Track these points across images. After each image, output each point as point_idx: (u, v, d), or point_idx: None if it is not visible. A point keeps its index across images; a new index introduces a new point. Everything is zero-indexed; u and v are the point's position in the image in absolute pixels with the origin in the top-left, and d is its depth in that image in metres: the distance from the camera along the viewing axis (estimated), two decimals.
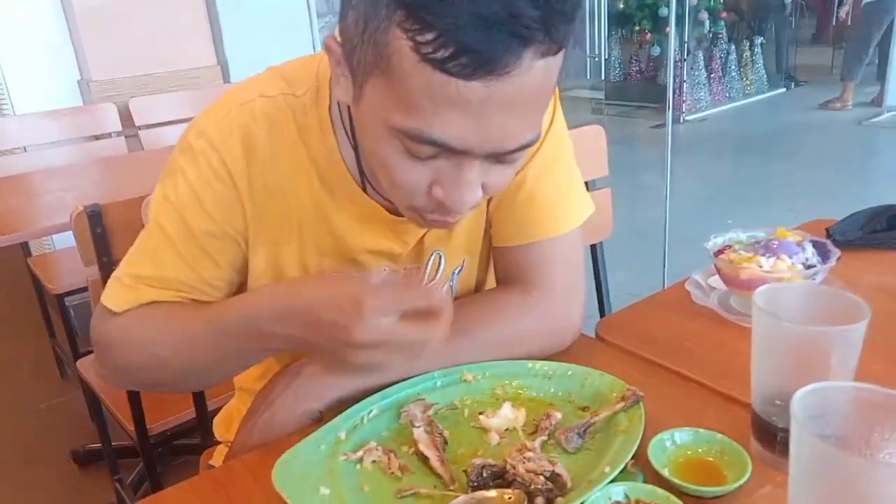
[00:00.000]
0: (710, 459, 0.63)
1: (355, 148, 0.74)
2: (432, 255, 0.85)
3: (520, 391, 0.77)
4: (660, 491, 0.58)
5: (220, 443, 1.06)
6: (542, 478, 0.59)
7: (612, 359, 0.84)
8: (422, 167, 0.61)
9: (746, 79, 7.43)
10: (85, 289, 1.36)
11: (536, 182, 0.84)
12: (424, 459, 0.66)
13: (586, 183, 1.52)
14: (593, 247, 1.51)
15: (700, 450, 0.64)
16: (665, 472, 0.61)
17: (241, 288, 0.83)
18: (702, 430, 0.65)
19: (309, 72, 0.75)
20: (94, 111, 2.67)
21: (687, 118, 6.55)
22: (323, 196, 0.77)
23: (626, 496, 0.58)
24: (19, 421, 2.39)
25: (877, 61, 6.52)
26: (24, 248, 2.47)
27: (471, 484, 0.61)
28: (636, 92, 7.21)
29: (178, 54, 3.02)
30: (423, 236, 0.83)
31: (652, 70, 7.17)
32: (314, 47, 2.90)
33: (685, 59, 6.68)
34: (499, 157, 0.61)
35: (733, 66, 7.26)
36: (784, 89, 7.63)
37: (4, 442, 2.27)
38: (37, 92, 2.79)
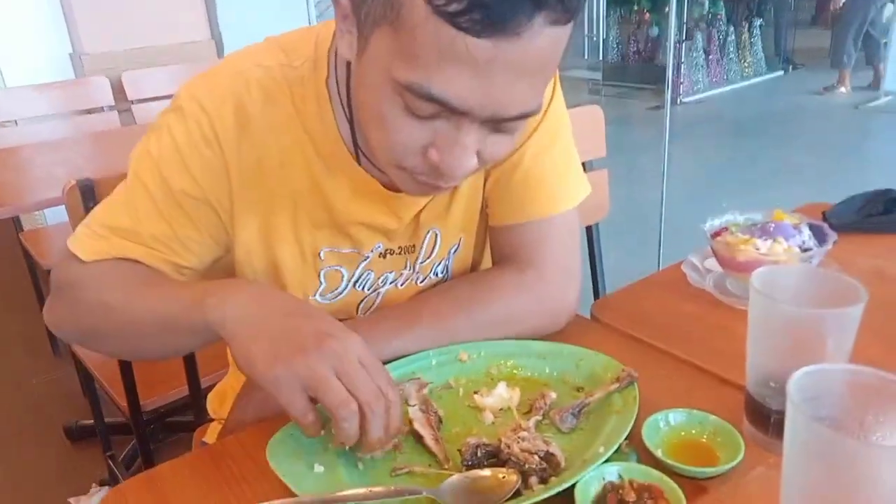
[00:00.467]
0: (704, 440, 0.64)
1: (351, 121, 0.74)
2: (428, 232, 0.85)
3: (515, 371, 0.77)
4: (653, 471, 0.58)
5: (213, 420, 1.06)
6: (536, 457, 0.59)
7: (606, 340, 0.84)
8: (419, 127, 0.60)
9: (744, 61, 7.40)
10: None
11: (534, 161, 0.83)
12: (419, 438, 0.66)
13: (583, 163, 1.52)
14: (589, 228, 1.50)
15: (693, 431, 0.64)
16: (658, 453, 0.61)
17: (225, 269, 0.82)
18: (695, 412, 0.65)
19: (307, 43, 0.74)
20: (87, 85, 2.64)
21: (684, 100, 6.53)
22: (318, 168, 0.76)
23: (620, 476, 0.59)
24: (11, 397, 2.39)
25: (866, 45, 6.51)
26: (16, 223, 2.45)
27: (465, 463, 0.61)
28: (634, 73, 7.18)
29: (171, 28, 2.98)
30: (420, 213, 0.82)
31: (650, 51, 7.14)
32: (310, 20, 2.86)
33: (683, 41, 6.64)
34: (497, 124, 0.61)
35: (732, 49, 7.22)
36: (782, 72, 7.61)
37: None
38: (28, 65, 2.76)
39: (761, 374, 0.63)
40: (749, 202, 1.02)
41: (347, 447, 0.61)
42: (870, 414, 0.48)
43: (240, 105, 0.72)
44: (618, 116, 5.98)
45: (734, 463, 0.60)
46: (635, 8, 7.09)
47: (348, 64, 0.70)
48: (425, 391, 0.72)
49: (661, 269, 1.09)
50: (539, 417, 0.68)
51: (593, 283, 1.50)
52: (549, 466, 0.59)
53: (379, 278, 0.86)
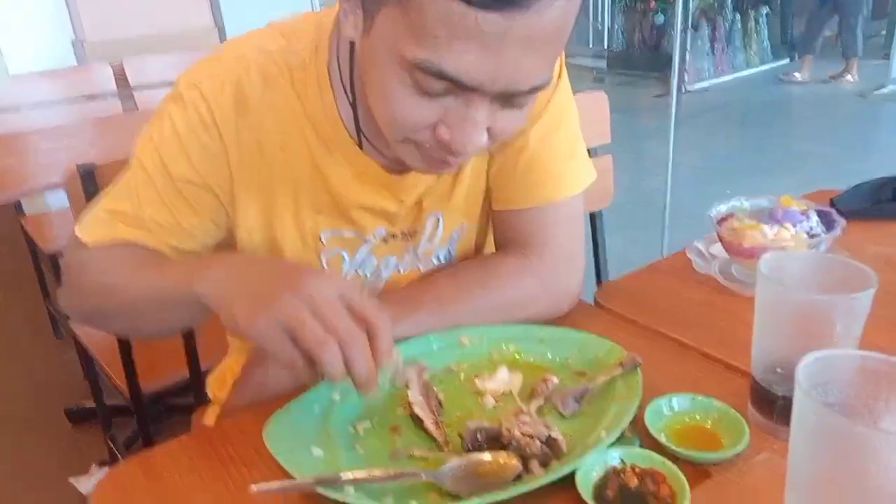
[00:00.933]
0: (708, 426, 0.63)
1: (353, 105, 0.73)
2: (430, 217, 0.84)
3: (517, 355, 0.76)
4: (656, 456, 0.57)
5: (212, 402, 1.05)
6: (537, 442, 0.58)
7: (610, 326, 0.83)
8: (429, 105, 0.59)
9: (750, 49, 7.33)
10: None
11: (539, 145, 0.82)
12: (419, 422, 0.65)
13: (588, 150, 1.51)
14: (592, 215, 1.49)
15: (697, 416, 0.64)
16: (662, 438, 0.60)
17: (221, 246, 0.82)
18: (699, 397, 0.64)
19: (308, 28, 0.74)
20: (89, 71, 2.62)
21: (689, 88, 6.47)
22: (319, 152, 0.75)
23: (623, 461, 0.58)
24: (14, 380, 2.39)
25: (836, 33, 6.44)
26: (18, 208, 2.45)
27: (466, 447, 0.60)
28: (639, 61, 7.11)
29: (174, 15, 2.96)
30: (422, 198, 0.81)
31: (655, 39, 7.07)
32: (313, 6, 2.84)
33: (689, 29, 6.58)
34: (508, 99, 0.60)
35: (738, 37, 7.15)
36: (788, 60, 7.54)
37: None
38: (30, 52, 2.74)
39: (768, 360, 0.62)
40: (755, 190, 1.00)
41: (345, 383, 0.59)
42: (880, 400, 0.47)
43: (239, 89, 0.72)
44: (622, 105, 5.94)
45: (739, 448, 0.59)
46: None
47: (351, 47, 0.69)
48: (426, 375, 0.71)
49: (665, 256, 1.07)
50: (541, 402, 0.67)
51: (596, 270, 1.49)
52: (551, 451, 0.59)
53: (381, 263, 0.85)
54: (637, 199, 3.12)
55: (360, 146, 0.75)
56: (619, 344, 0.73)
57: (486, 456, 0.58)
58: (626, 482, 0.56)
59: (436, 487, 0.57)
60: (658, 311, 0.86)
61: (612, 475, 0.57)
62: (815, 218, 0.88)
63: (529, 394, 0.70)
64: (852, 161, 4.06)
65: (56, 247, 2.11)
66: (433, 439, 0.64)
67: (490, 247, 0.92)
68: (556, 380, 0.70)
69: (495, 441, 0.60)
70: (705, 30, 6.77)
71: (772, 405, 0.62)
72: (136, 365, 1.35)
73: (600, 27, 7.58)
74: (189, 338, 1.33)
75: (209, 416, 1.02)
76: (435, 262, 0.88)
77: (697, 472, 0.58)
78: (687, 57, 6.43)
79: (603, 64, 7.42)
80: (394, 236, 0.83)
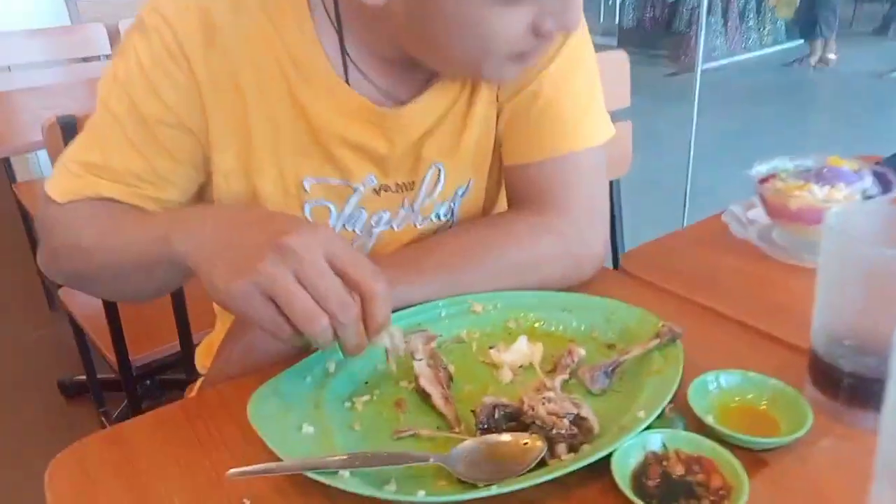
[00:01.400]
0: (762, 407, 0.54)
1: (340, 32, 0.65)
2: (431, 168, 0.75)
3: (536, 324, 0.68)
4: (704, 441, 0.49)
5: (202, 376, 0.98)
6: (565, 421, 0.50)
7: (638, 294, 0.74)
8: (516, 11, 0.59)
9: (764, 28, 7.17)
10: None
11: (554, 90, 0.74)
12: (426, 396, 0.57)
13: None
14: (610, 183, 1.40)
15: (749, 396, 0.55)
16: (709, 420, 0.51)
17: (204, 192, 0.74)
18: (751, 374, 0.56)
19: None
20: (82, 31, 2.53)
21: (702, 67, 6.33)
22: (299, 85, 0.67)
23: (664, 445, 0.49)
24: (6, 351, 2.33)
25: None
26: (9, 174, 2.37)
27: (480, 426, 0.52)
28: (650, 39, 6.96)
29: None
30: (422, 146, 0.73)
31: (667, 16, 6.92)
32: None
33: (701, 6, 6.42)
34: None
35: (751, 15, 6.99)
36: (802, 40, 7.37)
37: None
38: (20, 9, 2.64)
39: (833, 331, 0.53)
40: None
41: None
42: None
43: (206, 15, 0.64)
44: (634, 83, 5.79)
45: (801, 433, 0.50)
46: None
47: None
48: (433, 345, 0.63)
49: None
50: (565, 376, 0.59)
51: (612, 239, 1.40)
52: (581, 432, 0.50)
53: (372, 217, 0.76)
54: (652, 177, 3.02)
55: (347, 80, 0.68)
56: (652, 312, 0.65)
57: (506, 437, 0.50)
58: (669, 470, 0.47)
59: (445, 473, 0.49)
60: (691, 278, 0.77)
61: (653, 461, 0.48)
62: (869, 178, 0.79)
63: (552, 367, 0.61)
64: (873, 141, 3.95)
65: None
66: (442, 417, 0.55)
67: (502, 208, 0.83)
68: (582, 351, 0.61)
69: (514, 420, 0.52)
70: (718, 7, 6.61)
71: (837, 383, 0.53)
72: (126, 337, 1.28)
73: (612, 3, 7.41)
74: (180, 309, 1.26)
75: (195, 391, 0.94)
76: (434, 219, 0.79)
77: (752, 459, 0.49)
78: (701, 35, 6.28)
79: (613, 41, 7.26)
80: (387, 188, 0.75)
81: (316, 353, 0.61)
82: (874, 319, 0.51)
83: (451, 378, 0.60)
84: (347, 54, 0.67)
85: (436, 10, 0.58)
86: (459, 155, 0.75)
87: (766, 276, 0.77)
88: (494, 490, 0.45)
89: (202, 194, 0.74)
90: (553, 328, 0.67)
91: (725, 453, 0.48)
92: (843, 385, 0.53)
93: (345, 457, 0.48)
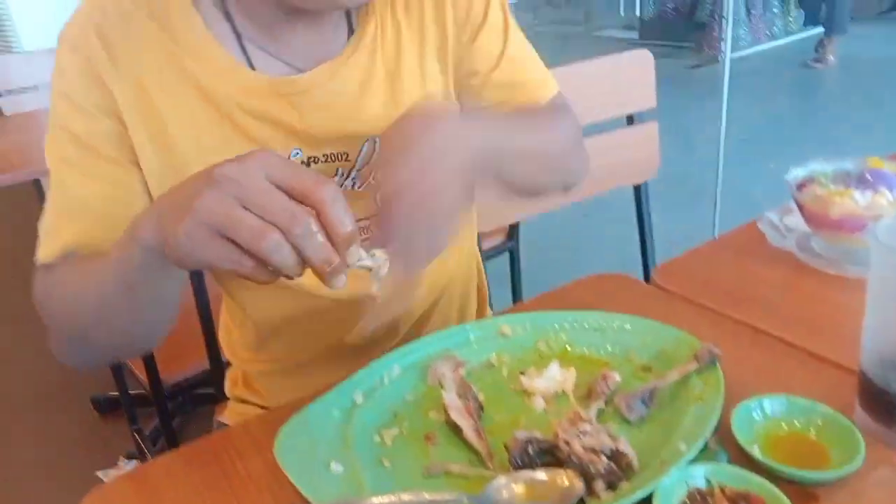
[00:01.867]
0: (811, 436, 0.51)
1: (230, 19, 0.67)
2: (366, 142, 0.71)
3: (568, 347, 0.66)
4: (751, 476, 0.47)
5: (229, 399, 0.97)
6: (603, 458, 0.48)
7: (672, 310, 0.71)
8: None
9: (789, 15, 7.01)
10: None
11: (508, 63, 0.77)
12: (456, 430, 0.55)
13: (630, 115, 1.38)
14: (637, 188, 1.36)
15: (797, 423, 0.52)
16: (755, 451, 0.49)
17: None
18: (798, 399, 0.53)
19: None
20: None
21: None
22: (204, 80, 0.67)
23: (708, 481, 0.47)
24: (40, 366, 2.36)
25: None
26: (39, 192, 2.39)
27: (513, 461, 0.50)
28: (672, 30, 6.85)
29: None
30: (346, 115, 0.70)
31: (688, 6, 6.80)
32: None
33: None
34: None
35: (775, 1, 6.84)
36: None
37: (26, 387, 2.24)
38: (44, 27, 2.68)
39: (886, 352, 0.50)
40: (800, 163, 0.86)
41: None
42: None
43: (102, 34, 0.66)
44: (657, 77, 5.70)
45: (853, 466, 0.47)
46: None
47: None
48: (462, 371, 0.61)
49: (717, 236, 0.95)
50: (601, 405, 0.57)
51: (642, 249, 1.37)
52: (619, 468, 0.48)
53: None
54: (680, 175, 2.95)
55: (251, 63, 0.68)
56: (687, 332, 0.62)
57: (541, 475, 0.48)
58: None
59: None
60: (728, 292, 0.75)
61: (698, 499, 0.46)
62: None
63: (586, 393, 0.59)
64: None
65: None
66: (474, 451, 0.54)
67: None
68: (617, 377, 0.59)
69: (549, 455, 0.50)
70: None
71: (891, 409, 0.50)
72: (156, 356, 1.29)
73: None
74: (208, 327, 1.26)
75: (229, 414, 0.94)
76: (373, 181, 0.74)
77: (802, 494, 0.47)
78: (724, 24, 6.16)
79: (635, 35, 7.17)
80: (315, 160, 0.71)
81: (341, 385, 0.59)
82: None
83: (481, 408, 0.58)
84: (240, 35, 0.67)
85: None
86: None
87: (809, 288, 0.74)
88: None
89: None
90: (586, 350, 0.65)
91: (773, 489, 0.45)
92: None
93: (377, 500, 0.47)
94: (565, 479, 0.47)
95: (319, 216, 0.46)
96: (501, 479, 0.48)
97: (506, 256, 1.58)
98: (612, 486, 0.47)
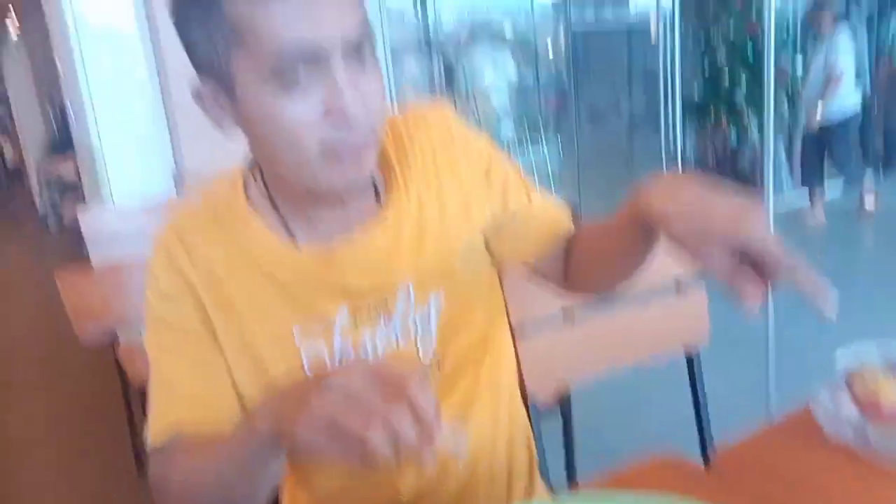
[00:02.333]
0: None
1: (280, 214, 0.78)
2: (399, 289, 0.81)
3: None
4: None
5: None
6: None
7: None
8: (303, 99, 0.66)
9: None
10: None
11: (519, 197, 0.88)
12: None
13: (677, 281, 1.39)
14: (689, 358, 1.35)
15: None
16: None
17: None
18: None
19: (223, 175, 0.83)
20: None
21: (777, 211, 6.06)
22: (263, 264, 0.78)
23: None
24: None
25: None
26: (113, 336, 2.48)
27: None
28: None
29: None
30: (385, 268, 0.80)
31: (731, 159, 6.92)
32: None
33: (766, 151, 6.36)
34: (350, 55, 0.67)
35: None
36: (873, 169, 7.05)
37: None
38: (132, 181, 2.92)
39: None
40: (866, 320, 0.88)
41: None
42: None
43: (180, 237, 0.79)
44: None
45: None
46: (712, 116, 6.96)
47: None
48: None
49: (771, 402, 0.96)
50: None
51: (698, 424, 1.32)
52: None
53: (359, 346, 0.81)
54: (729, 335, 2.85)
55: (296, 241, 0.78)
56: None
57: None
58: None
59: None
60: (789, 486, 0.76)
61: None
62: None
63: None
64: None
65: (146, 378, 2.11)
66: None
67: (476, 318, 0.87)
68: None
69: None
70: (780, 142, 6.47)
71: None
72: None
73: (672, 148, 7.54)
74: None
75: None
76: (412, 326, 0.82)
77: None
78: (769, 177, 6.16)
79: None
80: (359, 310, 0.81)
81: None
82: None
83: None
84: (285, 218, 0.78)
85: (247, 113, 0.69)
86: (421, 267, 0.82)
87: (872, 482, 0.74)
88: None
89: None
90: None
91: None
92: None
93: None
94: None
95: (411, 408, 0.53)
96: None
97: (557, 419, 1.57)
98: None
